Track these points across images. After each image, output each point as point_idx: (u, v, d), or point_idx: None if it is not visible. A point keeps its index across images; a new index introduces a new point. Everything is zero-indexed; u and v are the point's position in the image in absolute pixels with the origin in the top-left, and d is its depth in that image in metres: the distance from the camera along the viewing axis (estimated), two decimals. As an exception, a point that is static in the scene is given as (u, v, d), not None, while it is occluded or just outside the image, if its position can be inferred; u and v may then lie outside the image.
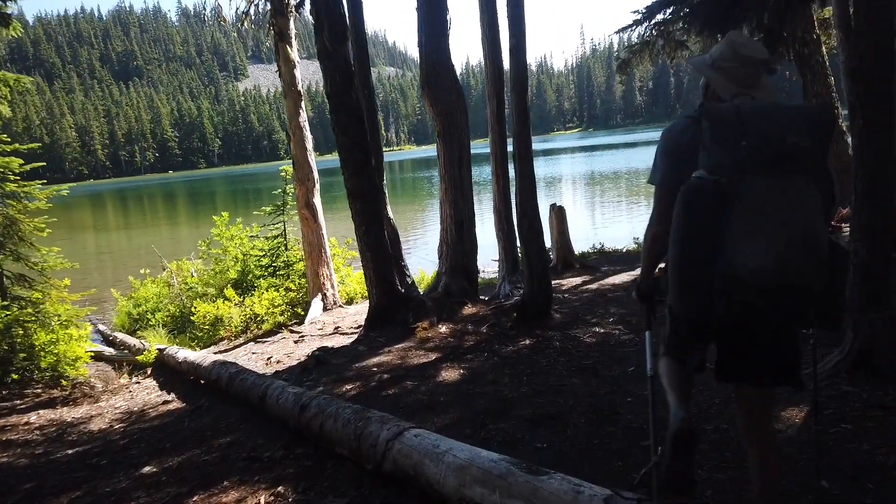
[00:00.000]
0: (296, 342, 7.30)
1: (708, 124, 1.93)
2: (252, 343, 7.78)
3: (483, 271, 13.61)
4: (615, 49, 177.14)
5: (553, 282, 9.26)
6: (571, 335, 6.02)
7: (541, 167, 50.91)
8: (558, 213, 9.96)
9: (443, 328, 6.40)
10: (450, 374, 5.12)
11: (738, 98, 2.05)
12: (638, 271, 2.63)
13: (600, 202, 25.82)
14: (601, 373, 4.88)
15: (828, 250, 1.87)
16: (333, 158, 7.16)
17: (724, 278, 1.84)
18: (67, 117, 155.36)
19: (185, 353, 6.95)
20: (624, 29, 12.76)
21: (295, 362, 6.25)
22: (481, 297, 7.65)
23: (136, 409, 6.02)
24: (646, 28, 12.75)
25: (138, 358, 7.84)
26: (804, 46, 13.23)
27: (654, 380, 2.41)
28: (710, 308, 1.89)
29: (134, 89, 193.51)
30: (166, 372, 7.24)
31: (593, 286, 8.58)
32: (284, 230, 10.11)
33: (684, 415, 2.06)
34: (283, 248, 9.98)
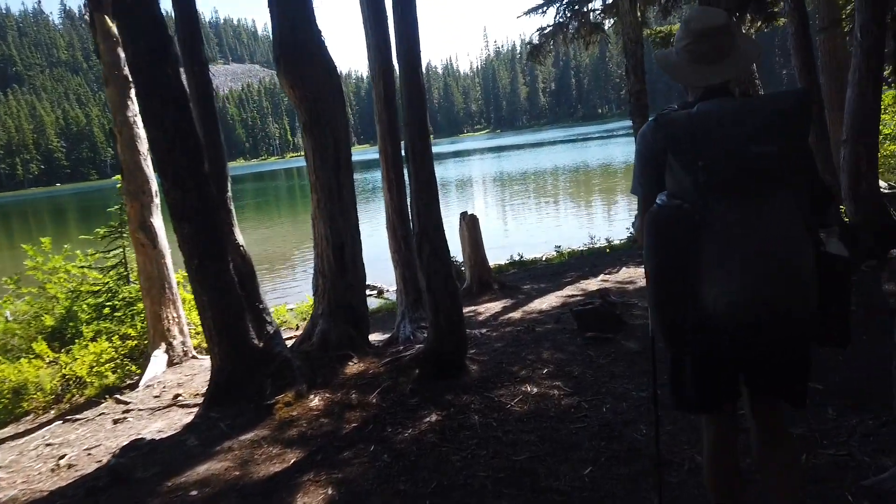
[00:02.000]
0: (116, 422, 5.21)
1: (664, 139, 1.76)
2: (59, 423, 5.60)
3: (386, 290, 11.85)
4: (518, 51, 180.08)
5: (468, 309, 7.53)
6: (495, 401, 4.30)
7: (450, 170, 49.65)
8: (470, 223, 8.28)
9: (315, 400, 4.53)
10: (312, 499, 3.26)
11: (709, 81, 1.85)
12: (567, 291, 3.69)
13: (511, 205, 24.51)
14: (543, 480, 3.18)
15: (815, 267, 1.71)
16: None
17: (696, 317, 1.72)
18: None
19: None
20: (535, 9, 11.30)
21: (93, 467, 4.20)
22: (374, 343, 5.82)
23: None
24: (558, 9, 11.36)
25: None
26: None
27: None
28: (688, 343, 1.77)
29: (13, 97, 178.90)
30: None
31: (516, 314, 6.93)
32: (124, 257, 7.89)
33: None
34: (124, 282, 7.76)
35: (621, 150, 41.69)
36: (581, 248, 12.78)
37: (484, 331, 6.25)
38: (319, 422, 4.22)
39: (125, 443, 4.42)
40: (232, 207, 5.02)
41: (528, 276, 9.66)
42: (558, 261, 11.26)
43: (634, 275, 8.12)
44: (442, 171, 49.84)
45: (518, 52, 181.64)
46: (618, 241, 12.79)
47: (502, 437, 3.74)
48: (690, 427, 3.40)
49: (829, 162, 7.36)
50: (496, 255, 13.47)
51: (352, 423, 4.17)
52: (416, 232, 4.63)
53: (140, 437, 4.46)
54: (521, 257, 12.21)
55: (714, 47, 1.84)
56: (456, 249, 10.48)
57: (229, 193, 4.96)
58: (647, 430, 3.56)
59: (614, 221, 16.96)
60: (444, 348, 4.71)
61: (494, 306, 7.48)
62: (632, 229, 2.52)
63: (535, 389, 4.48)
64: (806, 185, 1.73)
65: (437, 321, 4.68)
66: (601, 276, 8.35)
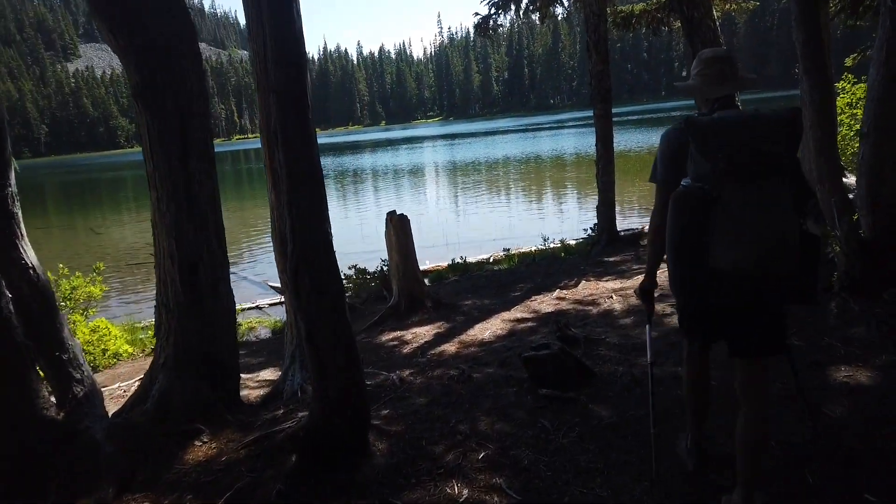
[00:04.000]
0: None
1: (692, 137, 2.21)
2: None
3: None
4: (472, 38, 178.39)
5: (390, 336, 5.99)
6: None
7: (400, 157, 47.89)
8: (399, 225, 6.69)
9: (125, 515, 2.93)
10: None
11: (723, 96, 2.41)
12: (516, 313, 3.92)
13: (458, 199, 22.97)
14: None
15: (799, 239, 2.16)
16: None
17: (710, 273, 2.19)
18: None
19: None
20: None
21: None
22: (250, 399, 4.21)
23: None
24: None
25: None
26: (693, 9, 11.24)
27: (653, 366, 2.98)
28: (702, 298, 2.27)
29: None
30: None
31: (451, 347, 5.42)
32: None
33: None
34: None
35: (573, 142, 40.72)
36: (533, 251, 11.37)
37: (406, 373, 4.71)
38: (113, 567, 2.62)
39: None
40: (17, 210, 3.31)
41: (470, 286, 8.17)
42: (507, 266, 9.81)
43: (597, 291, 6.71)
44: (391, 157, 48.06)
45: (472, 38, 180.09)
46: (573, 242, 11.43)
47: None
48: None
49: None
50: (438, 256, 12.00)
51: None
52: (292, 255, 3.04)
53: None
54: (465, 261, 10.72)
55: (724, 70, 2.42)
56: (376, 256, 9.05)
57: (11, 188, 3.25)
58: None
59: (567, 219, 15.60)
60: (332, 427, 3.16)
61: (425, 332, 5.95)
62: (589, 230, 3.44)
63: (466, 493, 2.98)
64: (795, 180, 2.18)
65: (323, 389, 3.12)
66: (557, 292, 6.90)
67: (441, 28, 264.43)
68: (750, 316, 2.32)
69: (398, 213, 6.76)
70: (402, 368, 4.87)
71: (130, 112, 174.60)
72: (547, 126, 71.19)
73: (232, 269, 4.25)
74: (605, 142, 9.45)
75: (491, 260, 11.27)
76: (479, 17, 10.68)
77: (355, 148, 67.34)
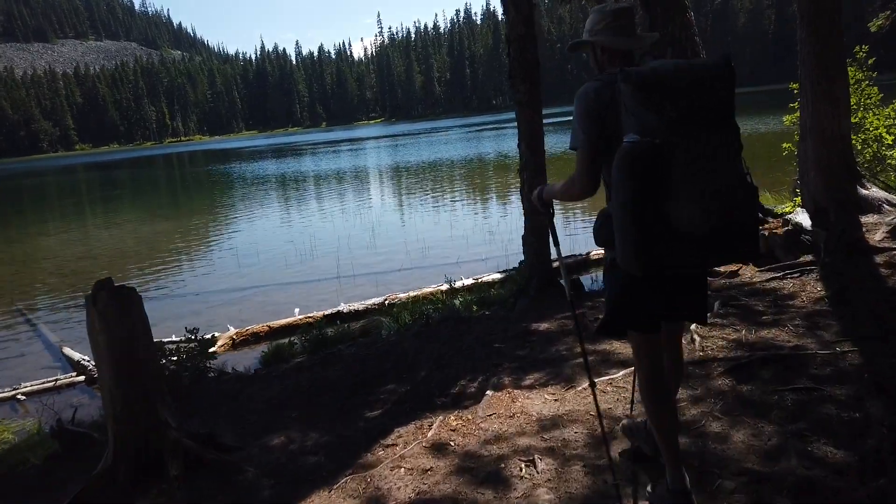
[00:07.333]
0: None
1: (630, 88, 2.01)
2: None
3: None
4: (412, 39, 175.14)
5: None
6: None
7: (321, 162, 44.05)
8: (116, 312, 3.32)
9: None
10: None
11: (627, 52, 2.37)
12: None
13: (363, 211, 19.59)
14: None
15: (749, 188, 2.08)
16: None
17: (667, 231, 2.02)
18: None
19: None
20: None
21: None
22: None
23: None
24: None
25: None
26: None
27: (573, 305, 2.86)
28: (658, 259, 2.06)
29: None
30: None
31: None
32: None
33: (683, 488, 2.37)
34: None
35: (510, 143, 37.75)
36: (441, 291, 8.17)
37: None
38: None
39: None
40: None
41: (307, 385, 4.84)
42: (390, 329, 6.54)
43: (510, 426, 3.48)
44: (313, 162, 44.26)
45: (413, 39, 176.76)
46: (495, 276, 8.29)
47: None
48: None
49: None
50: (320, 293, 8.73)
51: None
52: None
53: None
54: (339, 313, 7.43)
55: (630, 23, 2.37)
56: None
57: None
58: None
59: (494, 241, 12.31)
60: None
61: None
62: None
63: None
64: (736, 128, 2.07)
65: None
66: (436, 424, 3.65)
67: (381, 28, 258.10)
68: (701, 277, 2.38)
69: (116, 283, 3.38)
70: None
71: (53, 115, 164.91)
72: (490, 126, 68.39)
73: None
74: (531, 140, 6.26)
75: (385, 304, 8.03)
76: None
77: (290, 151, 63.17)
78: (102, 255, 15.45)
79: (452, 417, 3.74)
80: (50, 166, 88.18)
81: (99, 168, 70.33)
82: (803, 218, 6.26)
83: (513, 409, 3.70)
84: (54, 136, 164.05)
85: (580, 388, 3.86)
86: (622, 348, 4.38)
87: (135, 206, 27.92)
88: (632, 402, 3.31)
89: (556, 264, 6.67)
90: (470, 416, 3.72)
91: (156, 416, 3.41)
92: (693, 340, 4.24)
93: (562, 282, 6.62)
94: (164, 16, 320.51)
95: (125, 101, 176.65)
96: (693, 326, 4.37)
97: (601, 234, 2.35)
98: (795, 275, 5.36)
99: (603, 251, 2.52)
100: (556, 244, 2.87)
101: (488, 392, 4.03)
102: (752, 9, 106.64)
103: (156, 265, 13.41)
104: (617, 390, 3.72)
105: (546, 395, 3.86)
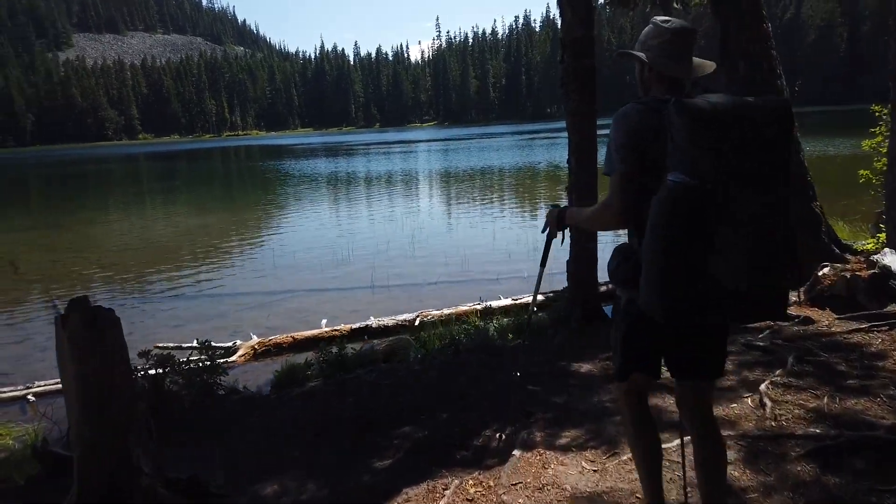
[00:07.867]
0: None
1: (683, 123, 1.82)
2: None
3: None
4: (470, 43, 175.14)
5: None
6: None
7: (367, 162, 43.95)
8: (89, 335, 2.87)
9: None
10: None
11: (675, 80, 2.10)
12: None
13: (411, 217, 19.14)
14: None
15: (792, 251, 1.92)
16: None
17: (702, 281, 1.84)
18: None
19: None
20: None
21: None
22: None
23: None
24: None
25: None
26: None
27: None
28: (686, 308, 1.88)
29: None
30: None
31: None
32: None
33: None
34: None
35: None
36: (476, 311, 7.61)
37: None
38: None
39: None
40: None
41: (317, 419, 4.30)
42: (416, 353, 6.00)
43: (540, 499, 2.94)
44: (363, 163, 44.25)
45: (470, 44, 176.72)
46: (541, 295, 7.67)
47: None
48: None
49: None
50: (344, 312, 8.28)
51: None
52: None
53: None
54: (367, 327, 6.92)
55: (687, 47, 2.10)
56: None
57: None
58: None
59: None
60: None
61: None
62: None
63: None
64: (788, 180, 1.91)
65: None
66: (452, 489, 3.13)
67: (440, 31, 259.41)
68: (723, 331, 2.19)
69: (92, 303, 2.94)
70: None
71: (119, 104, 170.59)
72: (543, 134, 67.48)
73: None
74: (580, 155, 5.64)
75: (416, 322, 7.53)
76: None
77: (346, 151, 63.59)
78: (145, 249, 15.37)
79: (471, 482, 3.17)
80: (113, 154, 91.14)
81: (160, 158, 72.09)
82: (892, 260, 5.48)
83: (543, 479, 3.11)
84: (119, 124, 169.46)
85: (625, 457, 3.25)
86: (672, 405, 3.74)
87: (188, 199, 28.15)
88: (684, 486, 2.69)
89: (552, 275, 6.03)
90: (492, 483, 3.15)
91: (127, 460, 2.95)
92: (763, 405, 3.58)
93: (605, 310, 6.00)
94: (230, 12, 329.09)
95: (188, 93, 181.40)
96: (763, 388, 3.70)
97: (618, 272, 2.15)
98: (884, 328, 4.61)
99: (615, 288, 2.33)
100: (543, 264, 2.77)
101: (516, 452, 3.44)
102: (823, 25, 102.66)
103: (194, 262, 13.22)
104: (669, 465, 3.10)
105: (584, 463, 3.26)
